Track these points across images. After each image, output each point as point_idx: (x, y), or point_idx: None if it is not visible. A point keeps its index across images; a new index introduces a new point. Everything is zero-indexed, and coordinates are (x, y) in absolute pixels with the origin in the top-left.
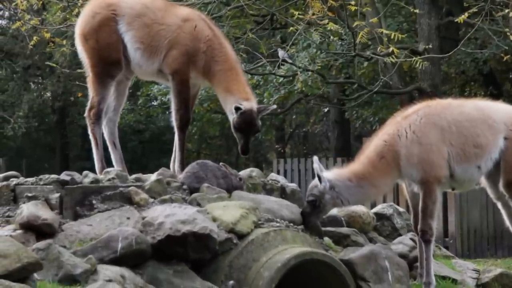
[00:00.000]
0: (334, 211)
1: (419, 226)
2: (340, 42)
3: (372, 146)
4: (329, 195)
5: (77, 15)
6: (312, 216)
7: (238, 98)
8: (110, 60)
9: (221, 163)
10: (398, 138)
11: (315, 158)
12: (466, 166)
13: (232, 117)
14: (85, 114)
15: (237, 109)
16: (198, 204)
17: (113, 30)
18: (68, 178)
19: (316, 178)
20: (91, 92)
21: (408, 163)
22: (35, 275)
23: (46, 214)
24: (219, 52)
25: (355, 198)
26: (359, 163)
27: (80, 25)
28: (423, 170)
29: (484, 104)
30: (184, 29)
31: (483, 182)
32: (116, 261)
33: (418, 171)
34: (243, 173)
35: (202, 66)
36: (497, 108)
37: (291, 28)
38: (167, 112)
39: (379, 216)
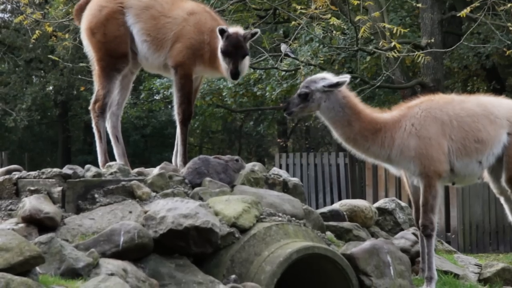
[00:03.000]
0: (336, 206)
1: (420, 221)
2: (342, 37)
3: (377, 115)
4: (320, 95)
5: None
6: (297, 107)
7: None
8: (117, 54)
9: (213, 156)
10: (397, 127)
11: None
12: (466, 161)
13: (219, 46)
14: (90, 107)
15: (222, 32)
16: (200, 198)
17: (121, 23)
18: (70, 171)
19: (319, 75)
20: (96, 86)
21: (403, 155)
22: (37, 268)
23: (48, 208)
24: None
25: (332, 114)
26: (364, 105)
27: (86, 19)
28: (421, 164)
29: (487, 99)
30: (189, 22)
31: (486, 177)
32: (118, 254)
33: (416, 165)
34: (246, 166)
35: (209, 57)
36: (500, 104)
37: (293, 22)
38: (170, 107)
39: (381, 211)
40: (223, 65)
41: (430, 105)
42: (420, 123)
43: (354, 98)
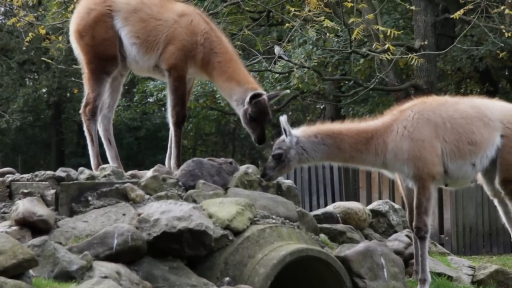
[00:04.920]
0: (330, 208)
1: (413, 223)
2: (336, 39)
3: (366, 123)
4: (295, 150)
5: (73, 11)
6: (274, 171)
7: (247, 88)
8: (106, 56)
9: (207, 159)
10: (389, 131)
11: (283, 117)
12: (460, 163)
13: (241, 107)
14: (81, 111)
15: (255, 97)
16: (194, 201)
17: (109, 26)
18: (63, 174)
19: (284, 135)
20: (86, 89)
21: (397, 158)
22: (31, 271)
23: (41, 211)
24: (217, 44)
25: (320, 154)
26: (338, 124)
27: (75, 22)
28: (415, 166)
29: (480, 102)
30: (181, 24)
31: (480, 178)
32: (111, 257)
33: (409, 167)
34: (239, 169)
35: (201, 59)
36: (493, 106)
37: (287, 24)
38: (163, 109)
39: (375, 213)
40: (247, 128)
41: (423, 107)
42: (413, 126)
43: (324, 126)
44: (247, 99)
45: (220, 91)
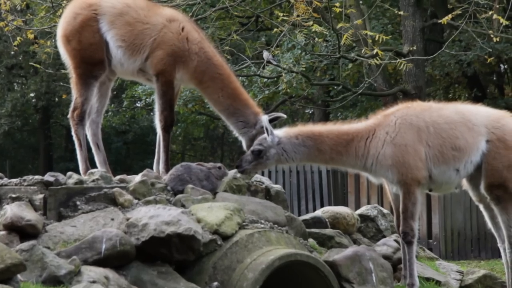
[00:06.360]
0: (318, 213)
1: (400, 228)
2: (324, 44)
3: (348, 126)
4: (275, 150)
5: (61, 15)
6: (250, 165)
7: (254, 112)
8: (93, 61)
9: (196, 163)
10: (372, 136)
11: (264, 117)
12: (443, 169)
13: (249, 130)
14: (69, 115)
15: (270, 122)
16: (183, 205)
17: (96, 30)
18: (52, 179)
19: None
20: (74, 93)
21: (381, 164)
22: (19, 276)
23: (30, 215)
24: (213, 56)
25: (300, 156)
26: (319, 125)
27: (61, 27)
28: (399, 172)
29: (465, 107)
30: (171, 29)
31: (465, 184)
32: (100, 262)
33: (393, 173)
34: (228, 174)
35: (194, 67)
36: (477, 111)
37: (276, 29)
38: (151, 113)
39: (364, 218)
40: (245, 147)
41: (406, 112)
42: (395, 131)
43: (305, 128)
44: (265, 124)
45: (215, 104)
